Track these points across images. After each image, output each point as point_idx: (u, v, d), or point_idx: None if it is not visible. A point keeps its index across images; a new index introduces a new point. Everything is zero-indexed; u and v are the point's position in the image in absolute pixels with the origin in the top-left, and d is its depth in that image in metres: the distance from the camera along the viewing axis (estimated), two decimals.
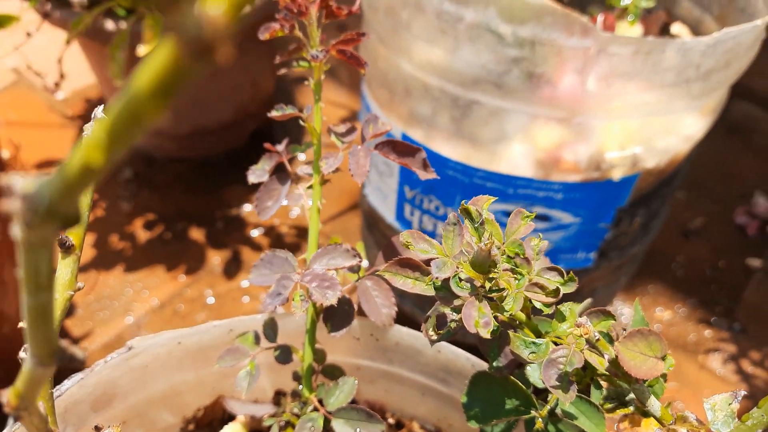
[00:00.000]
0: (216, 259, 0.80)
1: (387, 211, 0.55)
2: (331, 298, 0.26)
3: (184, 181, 0.89)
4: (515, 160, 0.45)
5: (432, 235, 0.52)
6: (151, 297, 0.76)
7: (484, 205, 0.21)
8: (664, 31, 0.57)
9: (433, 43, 0.42)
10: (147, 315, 0.74)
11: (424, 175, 0.28)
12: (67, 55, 0.96)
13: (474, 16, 0.38)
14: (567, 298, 0.56)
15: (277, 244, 0.82)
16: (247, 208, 0.86)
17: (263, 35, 0.28)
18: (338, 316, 0.28)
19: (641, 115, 0.42)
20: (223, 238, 0.83)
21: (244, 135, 0.93)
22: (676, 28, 0.56)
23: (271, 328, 0.29)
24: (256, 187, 0.89)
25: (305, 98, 1.02)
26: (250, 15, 0.73)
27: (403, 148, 0.29)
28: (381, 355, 0.31)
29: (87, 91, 1.00)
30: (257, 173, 0.31)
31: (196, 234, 0.83)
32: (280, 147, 0.31)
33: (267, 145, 0.32)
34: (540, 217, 0.47)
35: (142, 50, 0.63)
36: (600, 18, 0.47)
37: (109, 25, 0.69)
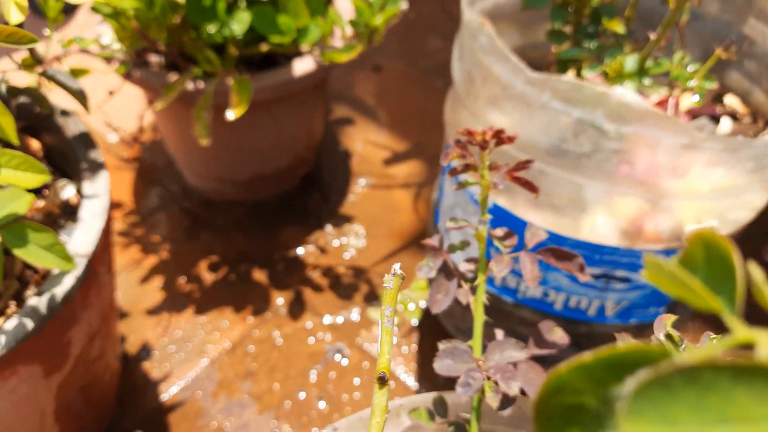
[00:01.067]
0: (280, 300, 0.85)
1: (466, 267, 0.60)
2: (514, 389, 0.30)
3: (242, 223, 0.94)
4: (600, 229, 0.50)
5: (514, 291, 0.57)
6: (223, 339, 0.80)
7: (668, 323, 0.26)
8: (717, 100, 0.62)
9: (533, 130, 0.47)
10: (221, 356, 0.78)
11: (583, 278, 0.33)
12: (118, 98, 1.01)
13: (581, 114, 0.43)
14: None
15: (336, 285, 0.87)
16: (302, 249, 0.90)
17: (444, 161, 0.33)
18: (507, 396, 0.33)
19: (719, 197, 0.47)
20: (284, 279, 0.87)
21: (297, 179, 0.98)
22: (729, 99, 0.61)
23: (441, 406, 0.34)
24: (312, 229, 0.93)
25: (348, 139, 1.07)
26: (311, 76, 0.78)
27: (561, 254, 0.34)
28: (524, 424, 0.36)
29: (140, 134, 1.05)
30: (425, 270, 0.36)
31: (259, 275, 0.87)
32: (444, 248, 0.36)
33: (427, 242, 0.37)
34: (622, 280, 0.52)
35: (230, 115, 0.68)
36: (672, 101, 0.53)
37: (188, 85, 0.74)
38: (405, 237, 0.93)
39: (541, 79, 0.44)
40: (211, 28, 0.67)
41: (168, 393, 0.75)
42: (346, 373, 0.78)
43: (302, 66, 0.77)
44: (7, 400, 0.48)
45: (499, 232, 0.35)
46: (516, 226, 0.53)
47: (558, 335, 0.35)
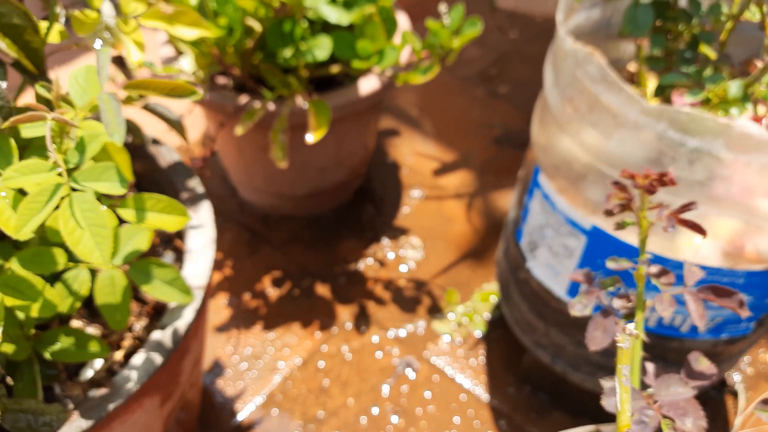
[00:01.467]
0: (345, 314, 0.86)
1: (557, 287, 0.61)
2: (689, 425, 0.31)
3: (301, 237, 0.95)
4: (703, 251, 0.51)
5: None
6: (293, 354, 0.81)
7: None
8: None
9: (641, 156, 0.48)
10: (293, 373, 0.79)
11: (743, 314, 0.34)
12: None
13: (698, 144, 0.44)
14: (725, 359, 0.62)
15: (398, 298, 0.88)
16: (362, 263, 0.91)
17: (607, 204, 0.34)
18: None
19: None
20: (347, 293, 0.88)
21: (351, 192, 0.99)
22: None
23: None
24: (369, 241, 0.93)
25: (395, 150, 1.08)
26: (376, 95, 0.79)
27: (721, 291, 0.35)
28: None
29: (193, 149, 1.05)
30: (578, 307, 0.37)
31: (322, 290, 0.88)
32: (595, 287, 0.37)
33: (576, 277, 0.38)
34: None
35: (310, 138, 0.69)
36: (765, 121, 0.54)
37: (257, 105, 0.75)
38: (462, 248, 0.94)
39: (657, 110, 0.45)
40: (287, 53, 0.68)
41: (245, 411, 0.76)
42: (417, 387, 0.79)
43: (367, 85, 0.78)
44: None
45: (654, 269, 0.36)
46: (619, 250, 0.54)
47: (705, 365, 0.36)
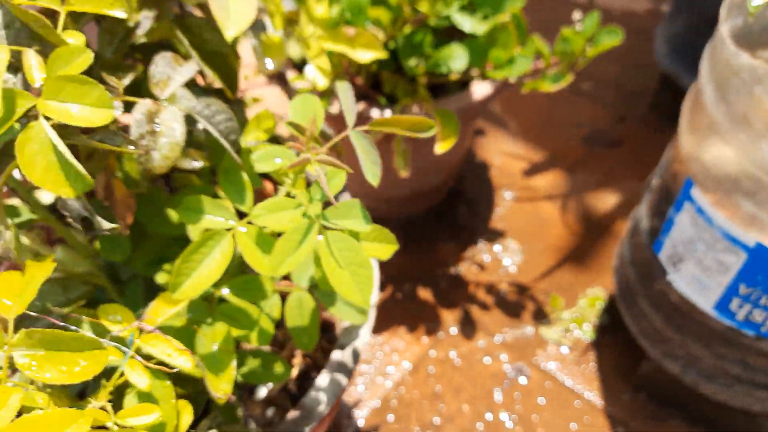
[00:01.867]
0: (449, 318, 0.86)
1: (703, 300, 0.60)
2: None
3: (397, 240, 0.94)
4: None
5: (759, 326, 0.58)
6: (402, 360, 0.82)
7: None
8: None
9: None
10: (404, 378, 0.80)
11: None
12: None
13: None
14: None
15: (501, 303, 0.88)
16: (462, 266, 0.91)
17: None
18: None
19: None
20: (449, 296, 0.88)
21: (444, 193, 0.99)
22: None
23: None
24: (466, 244, 0.92)
25: (482, 150, 1.07)
26: (488, 99, 0.78)
27: None
28: None
29: None
30: None
31: (424, 293, 0.88)
32: None
33: None
34: None
35: (439, 149, 0.68)
36: None
37: (374, 113, 0.74)
38: (561, 251, 0.93)
39: None
40: (413, 62, 0.68)
41: (362, 417, 0.76)
42: (531, 393, 0.79)
43: (480, 90, 0.77)
44: None
45: None
46: None
47: None
